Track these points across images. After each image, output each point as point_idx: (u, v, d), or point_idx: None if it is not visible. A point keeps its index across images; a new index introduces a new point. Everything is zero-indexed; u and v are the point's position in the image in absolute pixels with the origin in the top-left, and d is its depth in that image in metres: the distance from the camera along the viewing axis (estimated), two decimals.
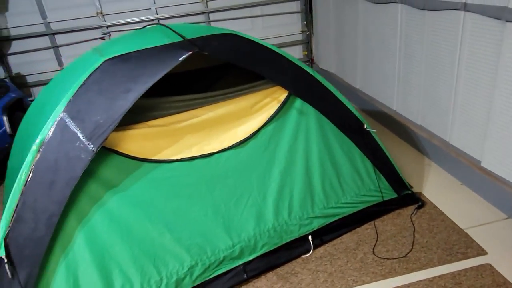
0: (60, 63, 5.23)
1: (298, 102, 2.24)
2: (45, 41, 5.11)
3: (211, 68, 3.02)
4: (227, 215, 2.12)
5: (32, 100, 4.71)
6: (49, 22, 5.01)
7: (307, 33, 5.76)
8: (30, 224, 1.65)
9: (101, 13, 5.07)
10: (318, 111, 2.26)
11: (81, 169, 1.69)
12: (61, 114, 1.73)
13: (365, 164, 2.43)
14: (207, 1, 5.30)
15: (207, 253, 2.05)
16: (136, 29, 2.54)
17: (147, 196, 1.94)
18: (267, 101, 2.20)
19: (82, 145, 1.70)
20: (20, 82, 5.18)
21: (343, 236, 2.40)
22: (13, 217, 1.64)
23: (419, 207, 2.56)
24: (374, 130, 2.38)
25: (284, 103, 2.21)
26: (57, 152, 1.69)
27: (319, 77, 2.27)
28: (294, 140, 2.25)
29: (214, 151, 2.09)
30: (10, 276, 1.61)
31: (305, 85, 2.23)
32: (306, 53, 5.78)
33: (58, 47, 5.15)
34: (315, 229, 2.32)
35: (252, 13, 5.51)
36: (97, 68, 1.83)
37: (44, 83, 5.26)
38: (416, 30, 3.02)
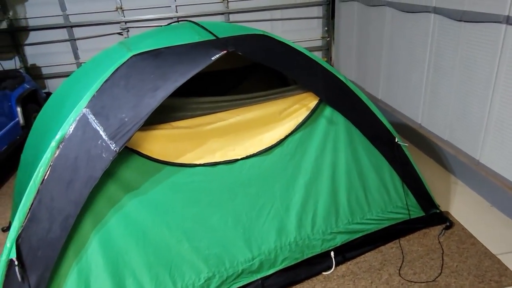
0: (76, 56, 5.17)
1: (328, 111, 2.13)
2: (62, 33, 5.06)
3: (233, 69, 2.92)
4: (248, 225, 2.00)
5: (46, 93, 4.65)
6: (68, 14, 4.96)
7: (327, 39, 5.66)
8: (44, 225, 1.55)
9: (121, 8, 5.01)
10: (348, 120, 2.15)
11: (102, 169, 1.59)
12: (84, 110, 1.63)
13: (393, 179, 2.31)
14: (228, 2, 5.22)
15: (225, 265, 1.94)
16: (164, 25, 2.45)
17: (166, 201, 1.83)
18: (296, 108, 2.09)
19: (104, 144, 1.60)
20: (35, 73, 5.12)
21: (367, 254, 2.28)
22: (28, 216, 1.54)
23: (447, 228, 2.43)
24: (406, 144, 2.26)
25: (313, 111, 2.10)
26: (77, 150, 1.59)
27: (351, 85, 2.16)
28: (321, 150, 2.14)
29: (239, 157, 1.98)
30: (20, 279, 1.51)
31: (337, 92, 2.12)
32: (326, 59, 5.67)
33: (75, 40, 5.10)
34: (338, 245, 2.20)
35: (272, 16, 5.43)
36: (124, 63, 1.74)
37: (59, 75, 5.21)
38: (449, 41, 2.90)
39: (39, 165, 1.57)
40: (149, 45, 1.84)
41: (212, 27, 1.98)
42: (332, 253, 2.18)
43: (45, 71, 5.22)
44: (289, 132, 2.07)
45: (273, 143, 2.05)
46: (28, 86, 4.03)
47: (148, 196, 1.79)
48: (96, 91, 1.67)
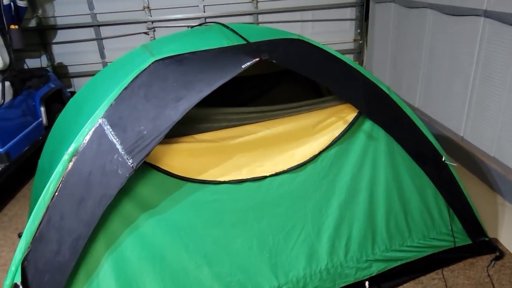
0: (102, 55, 5.12)
1: (368, 125, 1.92)
2: (89, 32, 5.02)
3: (263, 75, 2.73)
4: (275, 249, 1.81)
5: (71, 92, 4.61)
6: (95, 13, 4.90)
7: (360, 42, 5.40)
8: (53, 246, 1.41)
9: (148, 8, 4.92)
10: (390, 136, 1.93)
11: (117, 187, 1.43)
12: (100, 120, 1.48)
13: (438, 202, 2.07)
14: (257, 2, 5.04)
15: None
16: (190, 27, 2.29)
17: (186, 221, 1.67)
18: (332, 121, 1.89)
19: (120, 159, 1.44)
20: (61, 72, 5.10)
21: (405, 285, 2.05)
22: (35, 236, 1.40)
23: (497, 258, 2.16)
24: (454, 164, 2.01)
25: (351, 124, 1.89)
26: (91, 165, 1.45)
27: (395, 97, 1.93)
28: (358, 168, 1.92)
29: (267, 174, 1.80)
30: None
31: (379, 105, 1.90)
32: (358, 63, 5.40)
33: (102, 39, 5.04)
34: (373, 274, 1.98)
35: (303, 17, 5.22)
36: (145, 69, 1.58)
37: (84, 74, 5.17)
38: (502, 48, 2.62)
39: (50, 180, 1.43)
40: (173, 49, 1.68)
41: (243, 30, 1.81)
42: (367, 283, 1.96)
43: (71, 70, 5.19)
44: (324, 147, 1.87)
45: (306, 159, 1.85)
46: (53, 86, 3.98)
47: (166, 215, 1.63)
48: (114, 100, 1.52)
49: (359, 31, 5.34)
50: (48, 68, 4.93)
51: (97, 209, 1.43)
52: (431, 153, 2.00)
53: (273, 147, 1.82)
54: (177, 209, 1.65)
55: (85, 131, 1.47)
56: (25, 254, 1.40)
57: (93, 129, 1.47)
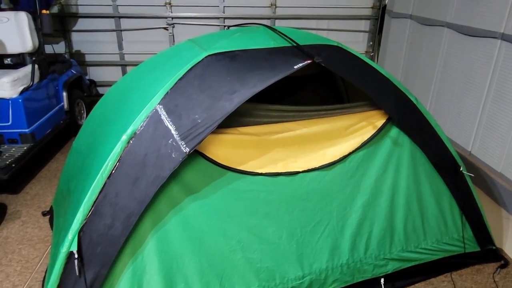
0: (120, 46, 5.20)
1: (395, 131, 2.04)
2: (110, 23, 5.09)
3: (288, 78, 2.85)
4: (302, 241, 1.93)
5: (89, 80, 4.69)
6: (117, 5, 4.99)
7: (371, 54, 5.56)
8: (107, 220, 1.51)
9: (169, 4, 5.02)
10: (415, 143, 2.05)
11: (170, 169, 1.54)
12: (157, 106, 1.59)
13: (452, 210, 2.20)
14: (275, 7, 5.17)
15: (275, 280, 1.87)
16: (227, 27, 2.40)
17: (225, 208, 1.77)
18: (362, 125, 2.01)
19: (174, 144, 1.55)
20: (78, 59, 5.16)
21: (417, 285, 2.17)
22: (92, 210, 1.50)
23: (502, 267, 2.30)
24: (472, 175, 2.15)
25: (380, 130, 2.01)
26: (147, 147, 1.55)
27: (421, 107, 2.07)
28: (383, 171, 2.05)
29: (300, 170, 1.91)
30: (77, 273, 1.47)
31: (407, 113, 2.03)
32: None
33: (121, 30, 5.12)
34: (389, 272, 2.10)
35: (318, 26, 5.36)
36: (199, 62, 1.69)
37: (101, 64, 5.25)
38: None
39: (108, 158, 1.53)
40: (224, 46, 1.79)
41: (287, 33, 1.92)
42: (382, 280, 2.09)
43: (88, 58, 5.26)
44: (353, 149, 1.99)
45: (336, 159, 1.97)
46: (74, 72, 4.07)
47: (208, 200, 1.73)
48: (170, 89, 1.62)
49: (371, 43, 5.49)
50: (66, 55, 5.01)
51: (150, 189, 1.54)
52: (450, 163, 2.13)
53: (307, 145, 1.93)
54: (218, 196, 1.75)
55: (143, 116, 1.57)
56: (82, 225, 1.49)
57: (150, 114, 1.58)
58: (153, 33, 5.17)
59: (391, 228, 2.09)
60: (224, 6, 5.10)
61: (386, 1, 5.14)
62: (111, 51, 5.22)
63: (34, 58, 3.36)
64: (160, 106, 1.59)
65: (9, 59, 3.38)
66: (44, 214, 2.74)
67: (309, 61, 1.66)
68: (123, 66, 5.31)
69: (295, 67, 1.65)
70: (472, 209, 2.23)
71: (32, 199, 2.95)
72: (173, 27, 5.14)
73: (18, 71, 3.18)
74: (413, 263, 2.16)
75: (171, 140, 1.55)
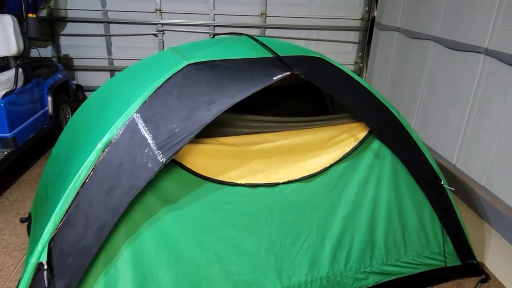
0: (109, 52, 5.18)
1: (376, 144, 2.04)
2: (99, 28, 5.07)
3: (272, 88, 2.85)
4: (281, 253, 1.90)
5: (76, 84, 4.64)
6: (107, 10, 4.97)
7: (360, 65, 5.60)
8: (79, 231, 1.48)
9: (160, 10, 5.02)
10: (396, 156, 2.05)
11: (146, 179, 1.51)
12: (134, 115, 1.56)
13: (433, 223, 2.20)
14: (266, 16, 5.20)
15: None
16: (213, 36, 2.39)
17: (203, 219, 1.75)
18: (344, 137, 2.01)
19: (151, 153, 1.53)
20: (66, 64, 5.13)
21: None
22: (63, 219, 1.46)
23: (483, 281, 2.30)
24: (452, 188, 2.15)
25: (361, 142, 2.01)
26: (122, 156, 1.52)
27: (403, 120, 2.07)
28: (364, 184, 2.04)
29: (280, 181, 1.89)
30: (46, 284, 1.43)
31: (389, 126, 2.03)
32: None
33: (110, 36, 5.10)
34: (369, 285, 2.09)
35: (308, 36, 5.40)
36: (178, 71, 1.68)
37: (89, 69, 5.21)
38: (500, 85, 2.81)
39: (81, 167, 1.50)
40: (205, 55, 1.78)
41: (269, 43, 1.92)
42: None
43: (76, 62, 5.22)
44: (334, 161, 1.98)
45: (317, 171, 1.96)
46: (60, 77, 4.02)
47: (185, 211, 1.71)
48: (148, 97, 1.60)
49: (360, 54, 5.54)
50: (54, 59, 4.97)
51: (124, 199, 1.51)
52: (431, 176, 2.14)
53: (287, 156, 1.92)
54: (195, 207, 1.73)
55: (119, 125, 1.55)
56: (52, 235, 1.45)
57: (126, 123, 1.55)
58: (142, 39, 5.16)
59: (372, 241, 2.07)
60: (214, 14, 5.11)
61: (375, 13, 5.20)
62: (100, 56, 5.19)
63: (18, 62, 3.31)
64: (138, 115, 1.57)
65: None
66: (22, 220, 2.69)
67: (288, 73, 1.65)
68: (112, 71, 5.28)
69: (274, 78, 1.64)
70: (453, 223, 2.23)
71: (11, 205, 2.89)
72: (163, 33, 5.14)
73: (1, 74, 3.13)
74: (393, 277, 2.15)
75: (147, 149, 1.53)
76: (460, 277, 2.31)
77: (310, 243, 1.96)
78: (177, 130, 1.55)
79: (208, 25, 5.14)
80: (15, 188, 3.11)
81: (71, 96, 4.27)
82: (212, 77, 1.68)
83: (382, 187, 2.07)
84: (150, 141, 1.54)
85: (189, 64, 1.71)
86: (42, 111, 3.60)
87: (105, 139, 1.52)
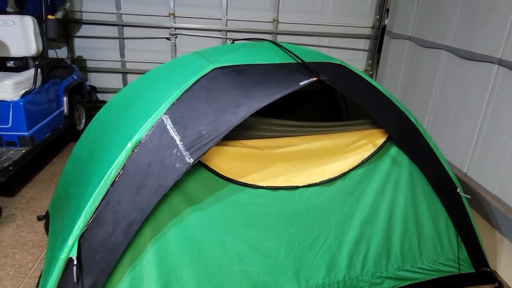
0: (122, 54, 5.24)
1: (394, 150, 2.07)
2: (113, 31, 5.13)
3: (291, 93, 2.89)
4: (299, 256, 1.93)
5: (90, 86, 4.70)
6: (121, 14, 5.04)
7: (370, 72, 5.64)
8: (108, 228, 1.51)
9: (173, 14, 5.08)
10: (413, 163, 2.08)
11: (173, 179, 1.55)
12: (163, 117, 1.60)
13: (448, 230, 2.22)
14: (277, 23, 5.25)
15: None
16: (232, 41, 2.44)
17: (225, 220, 1.78)
18: (363, 143, 2.04)
19: (179, 154, 1.56)
20: (79, 65, 5.18)
21: None
22: (93, 217, 1.50)
23: None
24: (468, 196, 2.18)
25: (380, 148, 2.04)
26: (151, 156, 1.56)
27: (421, 128, 2.10)
28: (381, 189, 2.07)
29: (300, 184, 1.93)
30: (75, 280, 1.46)
31: (407, 133, 2.06)
32: None
33: (124, 38, 5.16)
34: None
35: (319, 43, 5.44)
36: (205, 75, 1.72)
37: (102, 70, 5.27)
38: None
39: (111, 166, 1.54)
40: (230, 60, 1.83)
41: (292, 49, 1.96)
42: None
43: (89, 64, 5.28)
44: (353, 166, 2.01)
45: (336, 175, 1.99)
46: (76, 78, 4.08)
47: (209, 212, 1.74)
48: (176, 100, 1.65)
49: (370, 62, 5.58)
50: (67, 60, 5.03)
51: (152, 198, 1.54)
52: (447, 184, 2.16)
53: (308, 160, 1.95)
54: (219, 207, 1.76)
55: (148, 125, 1.59)
56: (82, 231, 1.49)
57: (155, 124, 1.59)
58: (155, 43, 5.22)
59: (388, 246, 2.10)
60: (227, 20, 5.17)
61: (386, 22, 5.25)
62: (113, 58, 5.25)
63: (37, 62, 3.37)
64: (166, 116, 1.61)
65: (11, 62, 3.39)
66: (39, 218, 2.72)
67: (314, 79, 1.69)
68: (124, 73, 5.34)
69: (301, 83, 1.68)
70: (468, 230, 2.25)
71: (27, 202, 2.92)
72: (176, 37, 5.19)
73: (21, 74, 3.19)
74: (408, 282, 2.17)
75: (175, 150, 1.57)
76: (473, 284, 2.33)
77: (328, 246, 1.99)
78: (204, 132, 1.59)
79: (220, 30, 5.20)
80: (31, 187, 3.15)
81: (85, 97, 4.32)
82: (238, 81, 1.72)
83: (399, 193, 2.10)
84: (178, 142, 1.57)
85: (215, 68, 1.75)
86: (58, 111, 3.66)
87: (135, 139, 1.56)
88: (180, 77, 1.82)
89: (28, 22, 3.29)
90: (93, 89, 4.83)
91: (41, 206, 2.89)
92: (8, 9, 3.55)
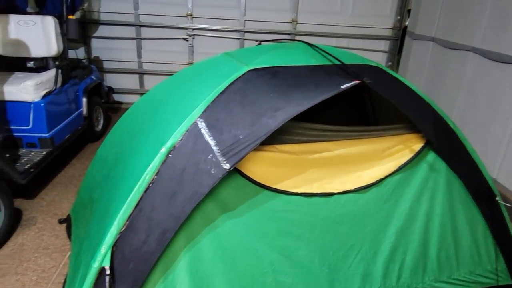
0: (139, 55, 5.21)
1: (431, 156, 1.98)
2: (130, 31, 5.11)
3: None
4: (334, 266, 1.85)
5: (108, 86, 4.67)
6: (139, 14, 5.01)
7: None
8: (141, 236, 1.45)
9: (191, 15, 5.04)
10: (451, 170, 1.99)
11: (209, 186, 1.48)
12: (197, 120, 1.54)
13: (486, 240, 2.12)
14: (296, 23, 5.18)
15: None
16: (259, 42, 2.38)
17: (259, 227, 1.71)
18: (399, 148, 1.96)
19: (214, 159, 1.50)
20: (96, 66, 5.15)
21: None
22: (126, 224, 1.44)
23: None
24: (509, 205, 2.08)
25: (417, 154, 1.95)
26: (186, 161, 1.50)
27: (459, 133, 2.01)
28: (418, 197, 1.98)
29: (335, 191, 1.85)
30: None
31: (445, 138, 1.97)
32: None
33: (141, 39, 5.13)
34: None
35: (338, 44, 5.36)
36: (240, 77, 1.66)
37: (118, 71, 5.25)
38: None
39: (145, 171, 1.48)
40: (264, 61, 1.76)
41: (328, 50, 1.89)
42: None
43: (106, 64, 5.26)
44: (389, 172, 1.93)
45: (371, 182, 1.90)
46: (94, 78, 4.05)
47: (242, 219, 1.67)
48: (211, 102, 1.58)
49: (390, 63, 5.48)
50: (85, 61, 5.02)
51: (187, 205, 1.48)
52: (486, 192, 2.07)
53: (343, 166, 1.88)
54: (253, 215, 1.69)
55: (182, 129, 1.53)
56: (115, 240, 1.43)
57: (190, 128, 1.53)
58: (172, 43, 5.19)
59: (424, 256, 2.01)
60: (245, 20, 5.11)
61: (407, 23, 5.14)
62: (130, 59, 5.23)
63: (57, 63, 3.34)
64: (201, 120, 1.54)
65: (32, 63, 3.36)
66: (60, 222, 2.68)
67: (357, 82, 1.61)
68: (141, 74, 5.31)
69: (342, 87, 1.60)
70: (506, 240, 2.15)
71: (48, 205, 2.89)
72: (193, 38, 5.15)
73: (42, 75, 3.16)
74: None
75: (210, 155, 1.50)
76: None
77: (363, 256, 1.90)
78: (241, 137, 1.52)
79: (238, 31, 5.14)
80: (50, 189, 3.11)
81: (103, 97, 4.29)
82: (274, 84, 1.65)
83: (436, 201, 2.01)
84: (213, 147, 1.51)
85: (250, 70, 1.68)
86: (77, 112, 3.62)
87: (169, 143, 1.50)
88: (212, 79, 1.75)
89: (49, 22, 3.26)
90: (111, 90, 4.79)
91: (61, 209, 2.85)
92: (29, 9, 3.53)
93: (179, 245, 1.56)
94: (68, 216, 2.59)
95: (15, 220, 2.61)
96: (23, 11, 3.48)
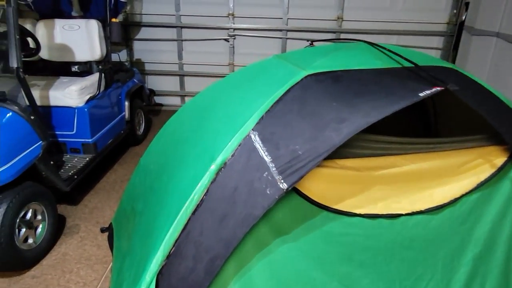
0: (180, 56, 5.15)
1: None
2: (171, 33, 5.06)
3: None
4: None
5: (149, 89, 4.63)
6: (180, 15, 4.94)
7: None
8: (188, 263, 1.30)
9: (232, 15, 4.90)
10: None
11: (264, 208, 1.31)
12: (251, 133, 1.37)
13: None
14: (342, 20, 4.91)
15: None
16: (311, 42, 2.17)
17: (316, 253, 1.52)
18: (478, 163, 1.69)
19: (270, 178, 1.32)
20: (138, 68, 5.15)
21: None
22: (173, 250, 1.29)
23: None
24: None
25: (499, 170, 1.68)
26: (238, 180, 1.33)
27: None
28: (499, 219, 1.71)
29: (403, 212, 1.62)
30: None
31: None
32: None
33: (182, 40, 5.06)
34: None
35: (387, 41, 5.03)
36: (297, 83, 1.47)
37: (159, 73, 5.22)
38: None
39: (193, 191, 1.33)
40: (323, 65, 1.56)
41: (396, 51, 1.66)
42: None
43: (147, 67, 5.25)
44: (466, 191, 1.66)
45: (445, 202, 1.65)
46: (136, 81, 4.01)
47: (298, 244, 1.48)
48: (265, 113, 1.40)
49: None
50: (127, 63, 5.02)
51: (239, 229, 1.31)
52: None
53: (412, 183, 1.64)
54: (310, 239, 1.50)
55: (234, 143, 1.36)
56: (161, 267, 1.29)
57: (242, 142, 1.36)
58: (213, 44, 5.08)
59: (507, 287, 1.73)
60: (288, 18, 4.91)
61: (464, 17, 4.73)
62: (171, 61, 5.18)
63: (101, 67, 3.31)
64: (255, 133, 1.37)
65: (76, 67, 3.35)
66: (102, 230, 2.60)
67: (440, 89, 1.37)
68: (181, 76, 5.25)
69: (421, 94, 1.37)
70: None
71: (90, 212, 2.84)
72: (234, 38, 5.02)
73: (86, 79, 3.12)
74: None
75: (266, 173, 1.32)
76: None
77: (434, 286, 1.66)
78: (300, 152, 1.33)
79: (280, 30, 4.96)
80: (93, 195, 3.07)
81: (145, 100, 4.25)
82: (336, 91, 1.44)
83: None
84: (269, 163, 1.33)
85: (308, 75, 1.49)
86: (120, 116, 3.58)
87: (219, 160, 1.34)
88: (265, 85, 1.58)
89: (93, 26, 3.22)
90: (152, 93, 4.77)
91: (104, 216, 2.79)
92: (73, 13, 3.53)
93: (229, 273, 1.40)
94: (110, 225, 2.51)
95: (58, 227, 2.57)
96: (67, 15, 3.48)
